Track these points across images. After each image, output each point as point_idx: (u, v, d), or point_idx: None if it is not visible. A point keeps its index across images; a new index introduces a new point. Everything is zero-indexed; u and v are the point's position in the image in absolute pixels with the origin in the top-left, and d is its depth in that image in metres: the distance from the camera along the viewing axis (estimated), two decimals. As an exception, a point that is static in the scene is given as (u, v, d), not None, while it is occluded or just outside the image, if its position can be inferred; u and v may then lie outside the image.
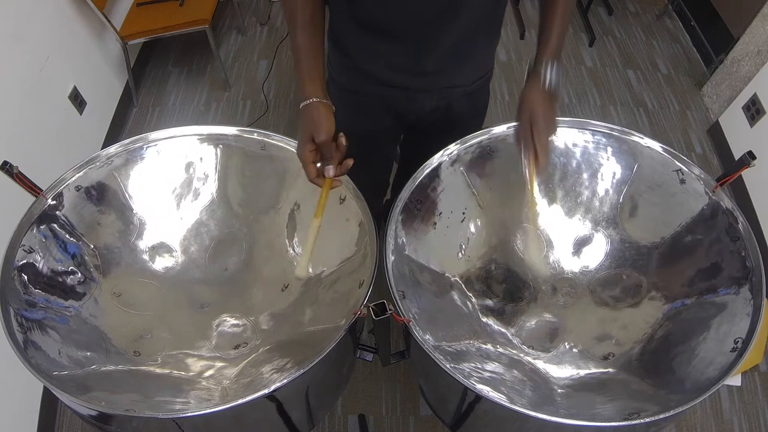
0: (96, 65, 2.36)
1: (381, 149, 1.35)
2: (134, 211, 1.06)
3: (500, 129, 1.09)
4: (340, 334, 0.79)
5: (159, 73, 2.79)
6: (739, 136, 2.34)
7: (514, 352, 1.02)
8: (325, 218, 0.91)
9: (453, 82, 1.12)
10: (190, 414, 0.72)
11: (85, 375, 0.85)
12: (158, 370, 0.94)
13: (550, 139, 0.92)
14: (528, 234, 0.92)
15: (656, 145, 1.03)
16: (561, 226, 1.12)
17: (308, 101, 0.89)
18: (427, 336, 0.90)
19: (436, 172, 1.05)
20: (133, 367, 0.92)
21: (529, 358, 1.01)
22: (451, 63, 1.07)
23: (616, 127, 1.06)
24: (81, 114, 2.16)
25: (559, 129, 1.08)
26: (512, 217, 1.12)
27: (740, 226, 0.91)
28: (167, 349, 0.98)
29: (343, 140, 0.90)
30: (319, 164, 0.89)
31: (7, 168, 0.87)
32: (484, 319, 1.05)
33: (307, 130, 0.88)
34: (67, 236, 0.96)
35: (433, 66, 1.06)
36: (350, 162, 0.91)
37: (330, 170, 0.89)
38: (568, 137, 1.10)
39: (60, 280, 0.93)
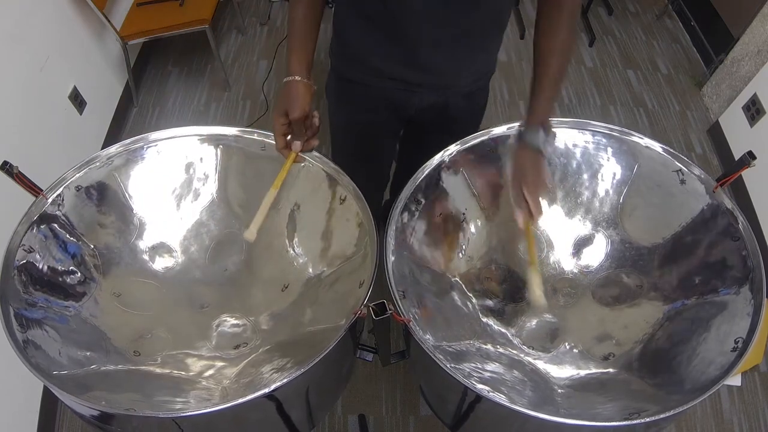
0: (96, 65, 2.35)
1: (380, 142, 1.36)
2: (134, 211, 1.06)
3: (500, 129, 1.09)
4: (340, 334, 0.79)
5: (159, 73, 2.79)
6: (739, 136, 2.34)
7: (515, 352, 1.02)
8: (325, 217, 0.91)
9: (451, 82, 1.12)
10: (190, 413, 0.72)
11: (85, 375, 0.85)
12: (158, 370, 0.94)
13: (540, 195, 0.97)
14: (531, 278, 0.97)
15: (656, 146, 1.03)
16: (561, 226, 1.12)
17: (291, 78, 0.95)
18: (427, 336, 0.90)
19: (436, 173, 1.05)
20: (133, 367, 0.92)
21: (529, 359, 1.01)
22: (449, 62, 1.07)
23: (616, 127, 1.07)
24: (81, 114, 2.16)
25: (559, 129, 1.09)
26: (512, 217, 1.12)
27: (740, 226, 0.91)
28: (167, 349, 0.98)
29: (316, 120, 0.97)
30: (289, 138, 0.96)
31: (7, 168, 0.87)
32: (485, 320, 1.05)
33: (283, 105, 0.94)
34: (67, 236, 0.96)
35: (431, 61, 1.06)
36: (316, 142, 0.98)
37: (297, 145, 0.96)
38: (568, 138, 1.10)
39: (60, 280, 0.93)
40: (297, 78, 0.95)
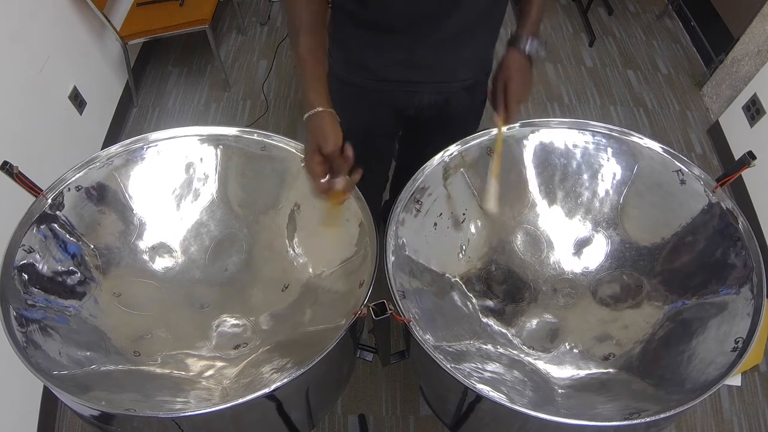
0: (96, 65, 2.36)
1: (380, 142, 1.36)
2: (134, 212, 1.06)
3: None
4: (340, 334, 0.79)
5: (159, 73, 2.80)
6: (739, 136, 2.34)
7: (515, 352, 1.02)
8: (324, 216, 0.90)
9: (451, 76, 1.13)
10: (190, 413, 0.72)
11: (85, 375, 0.85)
12: (158, 370, 0.94)
13: (521, 103, 1.02)
14: (489, 187, 0.99)
15: (656, 146, 1.03)
16: (561, 227, 1.12)
17: (313, 111, 0.87)
18: (427, 336, 0.90)
19: (436, 173, 1.05)
20: (133, 367, 0.92)
21: (529, 359, 1.01)
22: (448, 57, 1.07)
23: (615, 127, 1.07)
24: (81, 114, 2.16)
25: (559, 129, 1.09)
26: (512, 217, 1.12)
27: (740, 226, 0.91)
28: (167, 349, 0.98)
29: (349, 151, 0.87)
30: (326, 178, 0.86)
31: (7, 168, 0.87)
32: (485, 320, 1.05)
33: (314, 141, 0.85)
34: (67, 236, 0.96)
35: (431, 60, 1.07)
36: (358, 175, 0.89)
37: (340, 182, 0.86)
38: (569, 138, 1.10)
39: (60, 280, 0.93)
40: (320, 109, 0.87)
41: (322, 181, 0.86)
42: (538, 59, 1.06)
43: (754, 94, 2.22)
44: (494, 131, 1.07)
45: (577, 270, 1.10)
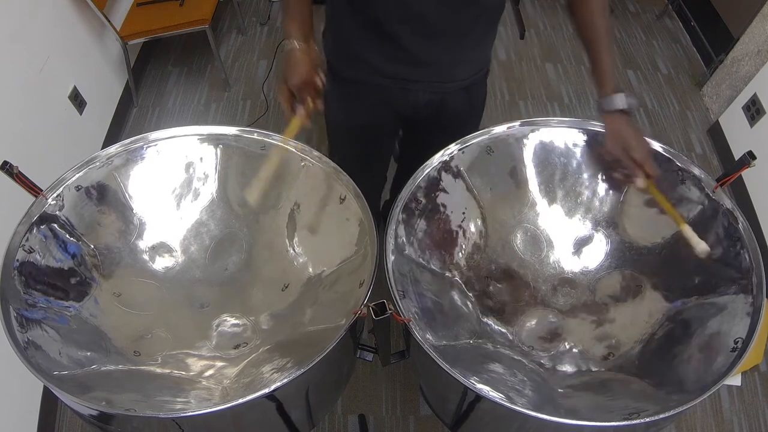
0: (96, 65, 2.36)
1: (379, 142, 1.36)
2: (134, 211, 1.06)
3: (500, 129, 1.09)
4: (340, 334, 0.79)
5: (159, 73, 2.80)
6: (739, 136, 2.34)
7: (515, 352, 1.01)
8: (325, 218, 0.91)
9: (448, 76, 1.13)
10: (190, 414, 0.72)
11: (85, 375, 0.85)
12: (158, 370, 0.94)
13: (648, 154, 0.96)
14: (687, 234, 0.94)
15: (656, 145, 1.03)
16: (561, 226, 1.12)
17: (289, 45, 0.98)
18: (427, 336, 0.90)
19: (436, 173, 1.05)
20: (134, 367, 0.92)
21: (529, 359, 1.01)
22: (446, 56, 1.07)
23: (616, 127, 1.06)
24: (81, 114, 2.16)
25: (559, 129, 1.09)
26: (512, 216, 1.12)
27: (740, 226, 0.91)
28: (167, 349, 0.98)
29: (319, 81, 1.00)
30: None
31: (7, 168, 0.87)
32: (484, 319, 1.05)
33: (283, 73, 0.98)
34: (67, 236, 0.96)
35: (426, 58, 1.07)
36: (319, 103, 1.02)
37: (300, 110, 0.99)
38: (569, 137, 1.10)
39: (60, 280, 0.93)
40: (294, 44, 0.98)
41: (288, 105, 1.00)
42: (635, 111, 1.01)
43: (754, 94, 2.22)
44: (494, 130, 1.07)
45: (577, 269, 1.10)
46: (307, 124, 1.01)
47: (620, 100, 0.98)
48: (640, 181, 0.96)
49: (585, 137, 1.09)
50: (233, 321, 1.06)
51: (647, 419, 0.73)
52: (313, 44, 1.01)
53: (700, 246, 0.91)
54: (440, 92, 1.16)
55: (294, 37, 0.98)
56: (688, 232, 0.93)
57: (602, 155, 1.04)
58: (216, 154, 1.09)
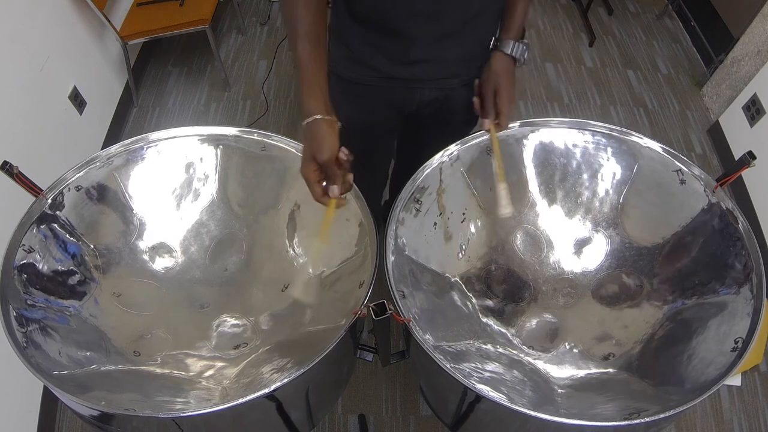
0: (96, 65, 2.36)
1: (380, 141, 1.36)
2: (134, 212, 1.06)
3: (500, 129, 1.09)
4: (340, 334, 0.79)
5: (159, 73, 2.80)
6: (739, 136, 2.34)
7: (515, 352, 1.02)
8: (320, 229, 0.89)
9: (451, 73, 1.13)
10: (190, 414, 0.72)
11: (85, 375, 0.85)
12: (158, 370, 0.94)
13: (512, 107, 1.03)
14: (499, 191, 0.99)
15: (656, 146, 1.03)
16: (561, 226, 1.12)
17: (310, 119, 0.86)
18: (427, 336, 0.90)
19: (436, 173, 1.05)
20: (133, 367, 0.92)
21: (529, 359, 1.01)
22: (448, 54, 1.07)
23: (615, 127, 1.06)
24: (81, 114, 2.16)
25: (559, 129, 1.09)
26: (512, 217, 1.12)
27: (740, 226, 0.91)
28: (167, 349, 0.98)
29: (343, 155, 0.87)
30: (324, 183, 0.86)
31: (7, 168, 0.87)
32: (485, 320, 1.05)
33: (309, 149, 0.85)
34: (67, 236, 0.96)
35: (430, 57, 1.07)
36: (351, 177, 0.89)
37: (335, 190, 0.85)
38: (568, 138, 1.10)
39: (60, 280, 0.93)
40: (317, 117, 0.85)
41: (319, 187, 0.87)
42: (524, 64, 1.09)
43: (754, 94, 2.22)
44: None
45: (577, 270, 1.10)
46: (344, 203, 0.88)
47: (515, 47, 1.05)
48: (487, 123, 1.04)
49: (584, 138, 1.09)
50: (233, 321, 1.06)
51: (647, 419, 0.73)
52: (335, 116, 0.88)
53: (506, 209, 0.97)
54: (444, 89, 1.16)
55: (315, 111, 0.86)
56: (503, 191, 0.98)
57: (479, 86, 1.11)
58: (216, 154, 1.09)
